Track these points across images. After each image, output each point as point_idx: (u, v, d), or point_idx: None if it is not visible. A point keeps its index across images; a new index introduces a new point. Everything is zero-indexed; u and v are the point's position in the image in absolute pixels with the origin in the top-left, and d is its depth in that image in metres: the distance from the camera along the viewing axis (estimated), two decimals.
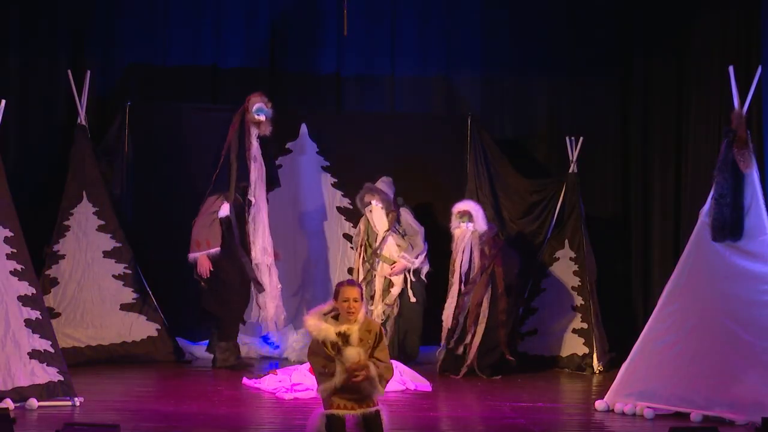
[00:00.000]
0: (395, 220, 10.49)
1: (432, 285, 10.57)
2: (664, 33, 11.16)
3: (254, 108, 10.05)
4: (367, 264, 10.50)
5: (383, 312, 10.37)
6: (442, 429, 7.76)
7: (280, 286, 10.25)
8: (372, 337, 6.04)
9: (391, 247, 10.43)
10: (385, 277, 10.44)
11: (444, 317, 10.07)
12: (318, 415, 6.11)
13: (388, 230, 10.43)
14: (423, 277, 10.47)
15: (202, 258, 9.89)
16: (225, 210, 9.99)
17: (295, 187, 11.10)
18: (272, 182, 10.37)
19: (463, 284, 9.97)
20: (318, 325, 6.02)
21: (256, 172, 10.10)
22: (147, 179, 10.84)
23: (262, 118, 10.08)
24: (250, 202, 10.08)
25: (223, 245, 9.95)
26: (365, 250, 10.55)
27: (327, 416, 6.06)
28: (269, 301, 10.14)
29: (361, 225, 10.64)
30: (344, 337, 5.98)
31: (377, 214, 10.49)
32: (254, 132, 10.09)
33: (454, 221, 10.14)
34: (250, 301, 10.26)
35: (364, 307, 6.10)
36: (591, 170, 11.20)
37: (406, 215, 10.55)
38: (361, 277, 10.50)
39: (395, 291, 10.41)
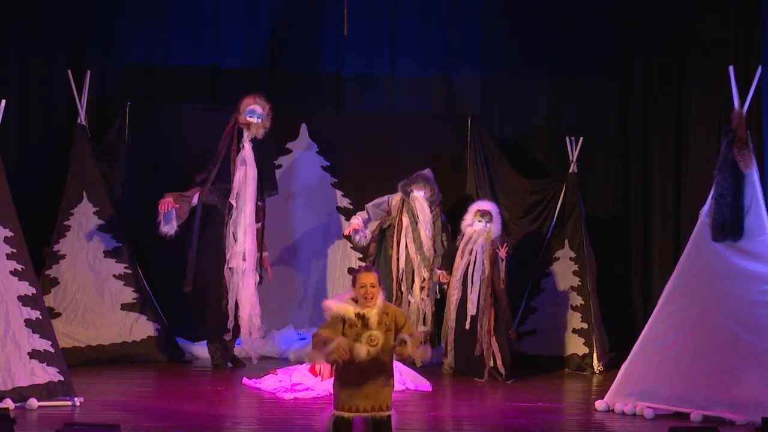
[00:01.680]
0: (439, 216, 10.36)
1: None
2: (664, 33, 11.16)
3: (246, 110, 9.95)
4: (420, 254, 10.20)
5: (419, 305, 10.21)
6: (443, 429, 7.76)
7: (256, 294, 9.99)
8: (390, 319, 6.06)
9: (426, 241, 10.28)
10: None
11: (447, 320, 10.02)
12: (328, 414, 6.11)
13: (439, 234, 10.29)
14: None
15: (163, 200, 9.68)
16: (195, 199, 9.89)
17: (295, 187, 11.10)
18: (270, 188, 10.19)
19: (470, 289, 9.81)
20: (338, 303, 6.05)
21: (243, 175, 9.92)
22: (147, 179, 10.83)
23: (253, 120, 9.94)
24: (231, 205, 9.91)
25: (196, 242, 9.90)
26: (407, 235, 10.26)
27: (335, 417, 6.06)
28: (243, 310, 9.93)
29: (394, 202, 10.37)
30: (363, 319, 6.01)
31: (420, 204, 10.28)
32: (246, 135, 9.97)
33: (471, 218, 9.99)
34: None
35: (382, 293, 6.11)
36: (591, 170, 11.20)
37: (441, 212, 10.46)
38: (401, 260, 10.24)
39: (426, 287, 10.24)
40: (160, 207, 9.71)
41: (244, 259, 9.93)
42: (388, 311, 6.08)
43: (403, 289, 10.21)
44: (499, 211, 10.13)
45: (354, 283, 6.09)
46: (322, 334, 5.97)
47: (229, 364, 10.07)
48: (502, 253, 9.75)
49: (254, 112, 9.96)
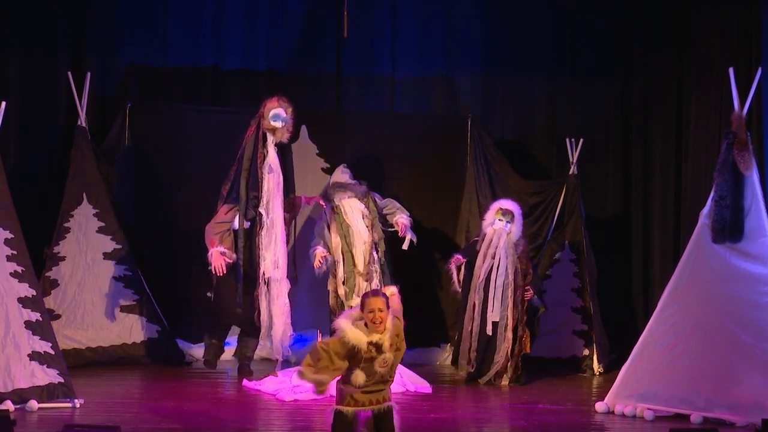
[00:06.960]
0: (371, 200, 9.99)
1: (421, 285, 10.50)
2: (664, 33, 11.16)
3: (270, 114, 9.58)
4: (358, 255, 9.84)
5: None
6: (443, 430, 7.76)
7: (288, 302, 9.69)
8: (400, 339, 6.09)
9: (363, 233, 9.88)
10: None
11: (467, 327, 9.77)
12: (330, 410, 6.16)
13: (374, 216, 9.87)
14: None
15: (214, 254, 9.35)
16: (235, 223, 9.56)
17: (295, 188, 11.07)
18: (291, 190, 9.87)
19: (492, 294, 9.60)
20: (353, 330, 6.01)
21: (272, 183, 9.60)
22: (147, 180, 10.83)
23: (279, 124, 9.59)
24: (261, 214, 9.57)
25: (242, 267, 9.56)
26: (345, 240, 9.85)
27: (335, 410, 6.10)
28: (276, 318, 9.64)
29: (327, 209, 9.94)
30: (377, 347, 6.01)
31: (347, 203, 9.87)
32: (270, 139, 9.61)
33: (492, 217, 9.76)
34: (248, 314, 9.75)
35: (390, 315, 6.08)
36: (591, 170, 11.19)
37: (376, 197, 10.08)
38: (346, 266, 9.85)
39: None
40: (216, 270, 9.34)
41: (277, 267, 9.63)
42: (398, 332, 6.10)
43: (341, 293, 9.81)
44: (521, 212, 9.94)
45: (362, 307, 6.06)
46: (323, 357, 5.98)
47: (229, 370, 9.93)
48: (528, 294, 9.64)
49: (279, 116, 9.61)
